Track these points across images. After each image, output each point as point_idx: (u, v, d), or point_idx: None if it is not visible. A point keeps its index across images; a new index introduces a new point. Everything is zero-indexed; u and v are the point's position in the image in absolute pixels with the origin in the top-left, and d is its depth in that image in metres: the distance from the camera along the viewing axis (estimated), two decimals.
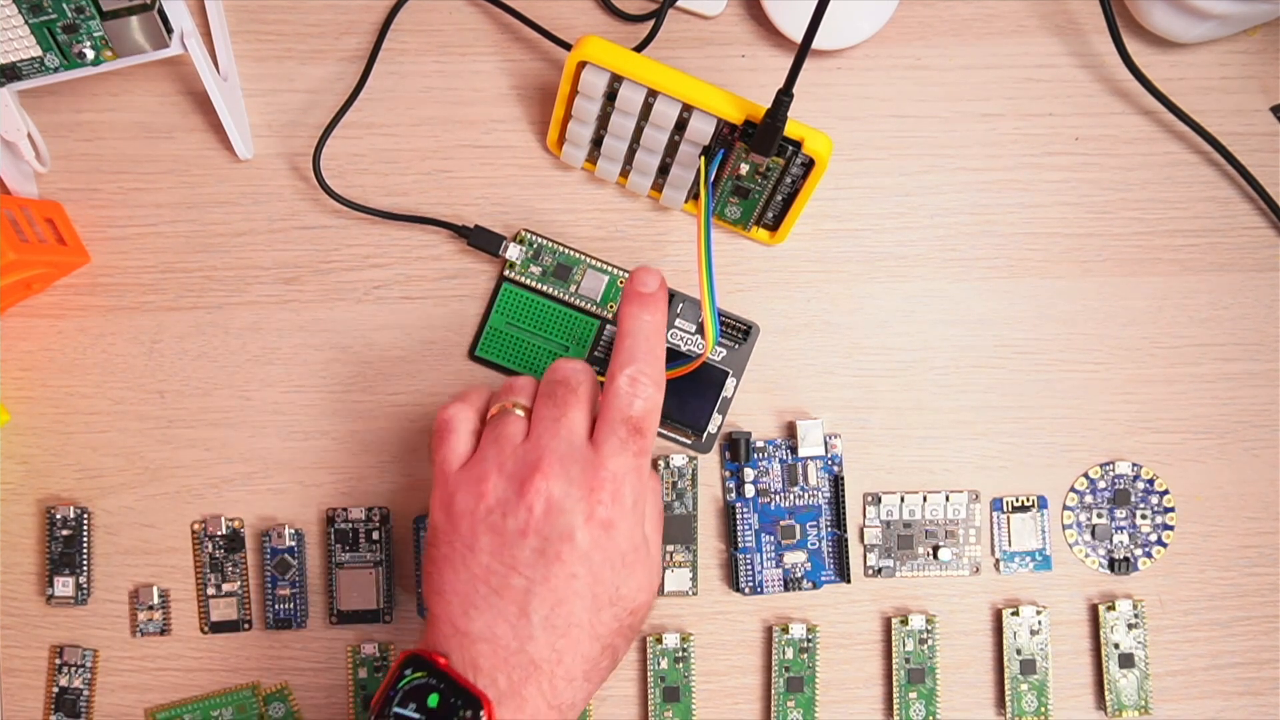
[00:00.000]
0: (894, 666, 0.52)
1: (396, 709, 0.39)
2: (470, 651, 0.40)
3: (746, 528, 0.52)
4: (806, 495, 0.52)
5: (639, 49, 0.51)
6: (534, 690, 0.39)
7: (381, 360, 0.52)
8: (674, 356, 0.52)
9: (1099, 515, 0.53)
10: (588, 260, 0.52)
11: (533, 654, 0.39)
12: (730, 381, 0.52)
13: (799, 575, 0.52)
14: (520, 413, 0.43)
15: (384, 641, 0.52)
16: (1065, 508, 0.53)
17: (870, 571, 0.53)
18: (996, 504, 0.53)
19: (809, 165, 0.48)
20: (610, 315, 0.52)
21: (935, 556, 0.53)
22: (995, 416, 0.53)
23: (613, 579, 0.41)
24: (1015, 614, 0.52)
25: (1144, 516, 0.53)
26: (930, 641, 0.52)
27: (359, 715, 0.52)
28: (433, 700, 0.39)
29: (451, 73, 0.53)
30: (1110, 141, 0.54)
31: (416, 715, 0.39)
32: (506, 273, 0.52)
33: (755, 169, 0.49)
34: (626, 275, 0.52)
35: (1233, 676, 0.53)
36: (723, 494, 0.53)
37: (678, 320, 0.52)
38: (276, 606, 0.51)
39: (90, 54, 0.46)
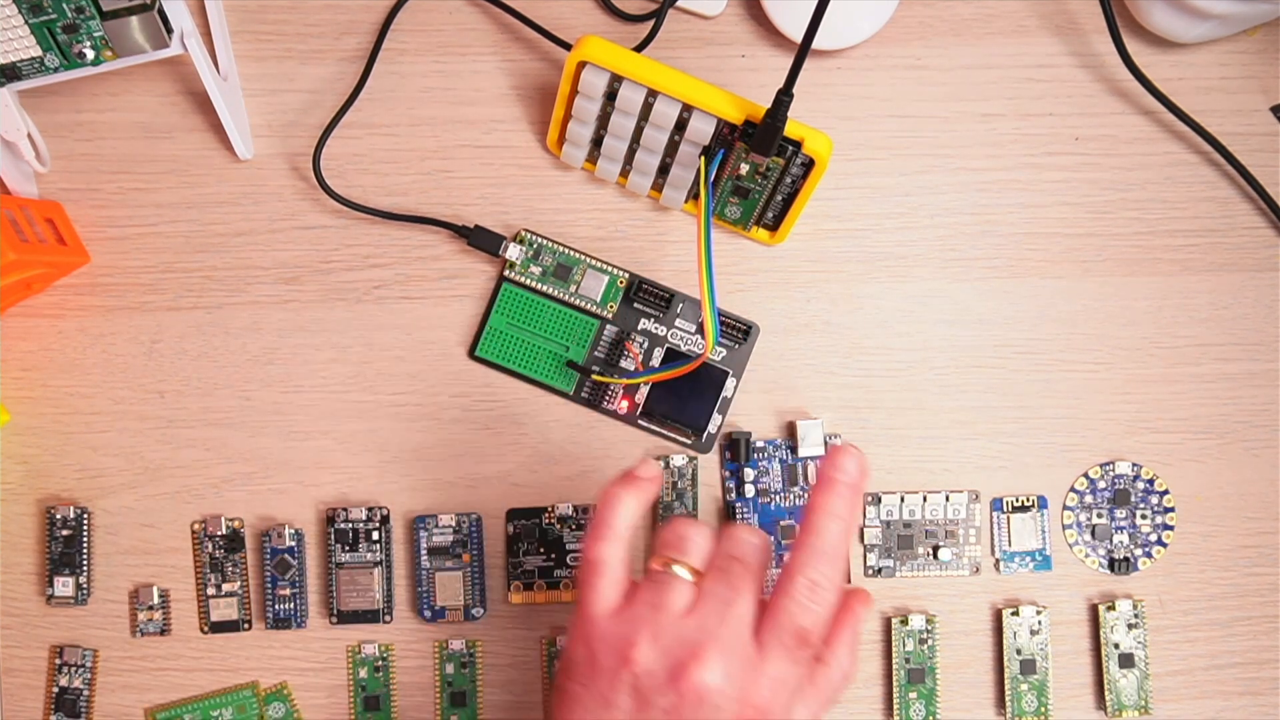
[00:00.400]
0: (894, 666, 0.52)
1: None
2: None
3: None
4: (807, 495, 0.52)
5: (639, 49, 0.51)
6: None
7: (381, 360, 0.52)
8: (674, 356, 0.52)
9: (1099, 515, 0.53)
10: (588, 260, 0.52)
11: None
12: (730, 381, 0.52)
13: None
14: (686, 574, 0.41)
15: (384, 641, 0.52)
16: (1065, 508, 0.53)
17: (870, 571, 0.53)
18: (996, 504, 0.53)
19: (809, 165, 0.48)
20: (610, 315, 0.52)
21: (935, 556, 0.52)
22: (995, 416, 0.53)
23: None
24: (1015, 614, 0.52)
25: (1144, 516, 0.53)
26: (930, 641, 0.52)
27: (359, 715, 0.52)
28: None
29: (451, 73, 0.53)
30: (1110, 141, 0.54)
31: None
32: (506, 273, 0.52)
33: (755, 169, 0.49)
34: (626, 275, 0.52)
35: (1233, 676, 0.53)
36: (723, 494, 0.53)
37: (677, 320, 0.52)
38: (276, 606, 0.51)
39: (90, 54, 0.46)
